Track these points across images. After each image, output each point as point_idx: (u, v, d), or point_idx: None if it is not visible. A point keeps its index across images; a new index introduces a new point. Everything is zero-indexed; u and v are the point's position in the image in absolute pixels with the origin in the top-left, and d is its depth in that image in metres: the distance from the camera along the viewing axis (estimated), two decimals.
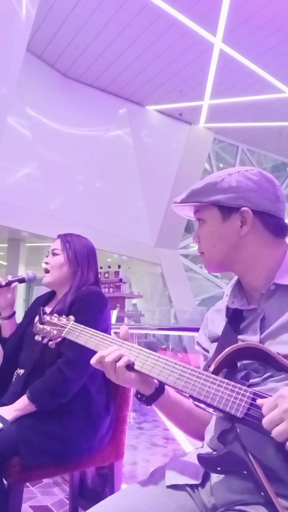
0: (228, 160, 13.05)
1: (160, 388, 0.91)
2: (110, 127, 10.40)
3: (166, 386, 0.91)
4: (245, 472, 0.72)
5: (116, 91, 10.13)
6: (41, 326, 1.07)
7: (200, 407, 0.83)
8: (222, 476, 0.80)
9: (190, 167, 11.25)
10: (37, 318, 1.10)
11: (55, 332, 1.03)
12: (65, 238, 1.62)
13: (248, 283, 0.93)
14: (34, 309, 1.68)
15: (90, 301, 1.48)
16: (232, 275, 13.42)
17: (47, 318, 1.07)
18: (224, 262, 0.92)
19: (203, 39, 8.07)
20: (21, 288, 9.44)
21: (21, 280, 1.67)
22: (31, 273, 1.70)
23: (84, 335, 0.97)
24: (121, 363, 0.85)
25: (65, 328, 1.02)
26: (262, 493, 0.69)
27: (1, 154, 7.52)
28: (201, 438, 0.97)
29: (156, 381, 0.90)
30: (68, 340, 1.39)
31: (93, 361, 0.88)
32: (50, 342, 1.04)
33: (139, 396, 0.91)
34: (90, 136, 10.10)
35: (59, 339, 1.04)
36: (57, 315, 1.08)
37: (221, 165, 12.83)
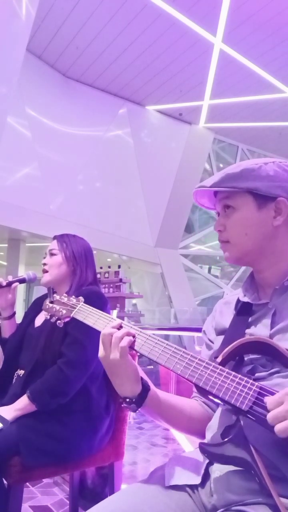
0: (228, 160, 13.05)
1: (145, 386, 0.88)
2: (110, 127, 10.40)
3: (151, 385, 0.89)
4: (248, 462, 0.71)
5: (116, 91, 10.13)
6: (50, 305, 1.04)
7: (205, 398, 0.82)
8: (222, 476, 0.80)
9: (190, 167, 11.25)
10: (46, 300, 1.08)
11: (64, 311, 1.01)
12: (62, 239, 1.63)
13: (264, 278, 0.92)
14: (34, 310, 1.69)
15: (91, 301, 1.48)
16: (232, 275, 13.36)
17: (56, 297, 1.05)
18: (252, 253, 0.89)
19: (203, 39, 8.07)
20: (21, 288, 9.44)
21: (22, 281, 1.68)
22: (31, 274, 1.71)
23: (92, 316, 0.95)
24: (125, 341, 0.83)
25: (75, 308, 1.00)
26: (263, 490, 0.69)
27: (1, 154, 7.52)
28: (198, 435, 0.97)
29: (141, 378, 0.88)
30: (69, 340, 1.41)
31: (106, 330, 0.85)
32: (59, 321, 1.02)
33: (127, 400, 0.86)
34: (90, 136, 10.10)
35: (67, 319, 1.01)
36: (66, 295, 1.06)
37: (221, 165, 12.84)
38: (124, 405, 0.87)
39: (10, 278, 1.65)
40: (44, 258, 1.65)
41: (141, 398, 0.86)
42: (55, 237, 1.67)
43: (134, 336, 0.85)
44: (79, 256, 1.60)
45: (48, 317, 1.04)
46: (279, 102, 10.07)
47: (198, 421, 0.95)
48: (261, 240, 0.88)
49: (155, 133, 11.08)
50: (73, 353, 1.38)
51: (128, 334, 0.85)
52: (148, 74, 9.33)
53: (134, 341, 0.85)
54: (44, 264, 1.61)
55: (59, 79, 9.47)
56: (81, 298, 1.03)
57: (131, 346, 0.85)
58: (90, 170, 9.95)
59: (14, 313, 1.69)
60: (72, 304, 1.02)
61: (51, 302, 1.05)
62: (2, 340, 1.66)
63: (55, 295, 1.06)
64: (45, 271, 1.60)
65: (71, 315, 0.99)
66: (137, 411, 0.87)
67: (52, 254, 1.61)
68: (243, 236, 0.89)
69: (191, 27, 7.77)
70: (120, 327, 0.87)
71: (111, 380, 0.88)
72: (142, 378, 0.88)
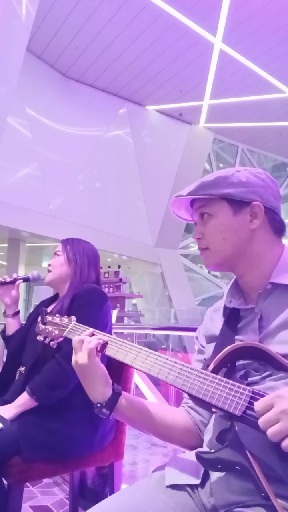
0: (228, 160, 13.05)
1: (116, 391, 0.90)
2: (110, 127, 10.40)
3: (128, 393, 0.92)
4: (245, 466, 0.72)
5: (116, 91, 10.13)
6: (43, 326, 1.08)
7: (200, 407, 0.83)
8: (222, 476, 0.80)
9: (190, 167, 11.25)
10: (39, 318, 1.11)
11: (56, 332, 1.05)
12: (66, 241, 1.70)
13: (247, 283, 0.93)
14: (38, 311, 1.72)
15: (90, 297, 1.52)
16: (232, 275, 13.53)
17: (49, 318, 1.09)
18: (231, 258, 0.91)
19: (203, 39, 8.07)
20: (21, 288, 9.42)
21: (26, 279, 1.75)
22: (35, 273, 1.77)
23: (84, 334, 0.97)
24: (93, 343, 0.88)
25: (67, 328, 1.03)
26: (261, 492, 0.69)
27: (1, 154, 7.52)
28: (179, 443, 0.97)
29: (113, 384, 0.90)
30: None
31: (77, 337, 0.92)
32: (52, 342, 1.06)
33: (98, 405, 0.88)
34: (90, 136, 10.10)
35: (60, 339, 1.05)
36: (59, 316, 1.09)
37: (221, 165, 12.84)
38: (97, 410, 0.89)
39: (15, 276, 1.72)
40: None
41: (112, 402, 0.88)
42: (61, 240, 1.75)
43: (106, 343, 0.91)
44: (80, 256, 1.65)
45: (42, 339, 1.08)
46: (279, 102, 10.08)
47: (177, 430, 0.95)
48: (239, 244, 0.90)
49: (155, 133, 11.08)
50: (70, 346, 1.40)
51: (99, 339, 0.90)
52: (148, 74, 9.33)
53: (104, 345, 0.90)
54: (49, 265, 1.68)
55: (59, 79, 9.47)
56: (73, 317, 1.06)
57: (102, 350, 0.90)
58: (90, 170, 9.95)
59: (19, 311, 1.74)
60: (64, 324, 1.05)
61: (44, 324, 1.08)
62: (6, 338, 1.70)
63: (47, 316, 1.09)
64: (49, 271, 1.67)
65: (64, 335, 1.03)
66: (110, 417, 0.89)
67: (56, 255, 1.68)
68: (221, 241, 0.91)
69: (191, 27, 7.77)
70: (92, 335, 0.93)
71: (84, 387, 0.91)
72: (114, 384, 0.90)
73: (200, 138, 11.63)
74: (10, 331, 1.70)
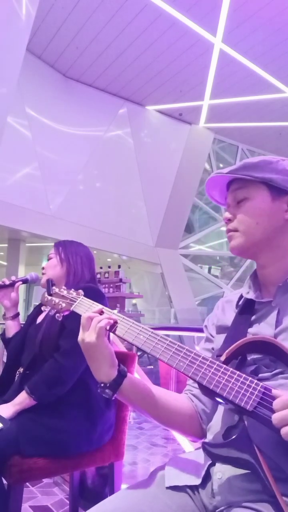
0: (228, 160, 13.05)
1: (122, 372, 0.87)
2: (110, 127, 10.39)
3: (133, 375, 0.89)
4: (251, 462, 0.71)
5: (116, 91, 10.12)
6: (49, 298, 1.02)
7: (209, 397, 0.81)
8: (224, 477, 0.79)
9: (190, 167, 11.25)
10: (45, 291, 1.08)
11: (63, 304, 0.99)
12: (58, 244, 1.74)
13: (267, 275, 0.92)
14: (36, 311, 1.73)
15: (87, 296, 1.51)
16: (232, 275, 13.36)
17: (56, 289, 1.03)
18: (259, 243, 0.90)
19: (203, 39, 8.07)
20: (21, 288, 9.41)
21: (25, 281, 1.77)
22: (34, 274, 1.81)
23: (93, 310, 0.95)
24: (103, 322, 0.85)
25: (75, 301, 0.98)
26: (266, 488, 0.69)
27: (1, 154, 7.52)
28: (180, 429, 0.95)
29: (119, 365, 0.88)
30: (65, 332, 1.43)
31: (87, 314, 0.88)
32: (58, 314, 1.00)
33: (101, 385, 0.86)
34: (90, 136, 10.09)
35: (67, 312, 1.00)
36: (65, 288, 1.04)
37: (221, 165, 12.83)
38: (100, 390, 0.86)
39: (13, 278, 1.73)
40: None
41: (116, 383, 0.86)
42: (54, 244, 1.78)
43: (116, 322, 0.87)
44: (72, 256, 1.68)
45: (47, 309, 1.02)
46: (279, 102, 10.07)
47: (182, 416, 0.94)
48: (270, 231, 0.88)
49: (155, 133, 11.08)
50: (68, 344, 1.41)
51: (109, 318, 0.87)
52: (148, 74, 9.33)
53: (115, 325, 0.87)
54: (43, 268, 1.72)
55: (59, 79, 9.47)
56: (80, 291, 1.01)
57: (111, 330, 0.87)
58: (90, 170, 9.95)
59: (18, 313, 1.75)
60: (72, 297, 1.00)
61: (50, 295, 1.03)
62: (6, 340, 1.71)
63: (54, 287, 1.03)
64: (43, 274, 1.71)
65: (71, 309, 0.98)
66: (113, 397, 0.87)
67: (49, 259, 1.72)
68: (254, 224, 0.89)
69: (191, 27, 7.77)
70: (101, 313, 0.90)
71: (89, 365, 0.88)
72: (120, 365, 0.88)
73: (200, 138, 11.62)
74: (10, 333, 1.71)
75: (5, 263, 10.34)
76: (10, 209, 8.04)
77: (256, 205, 0.89)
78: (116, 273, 6.68)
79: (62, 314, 1.00)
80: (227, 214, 0.93)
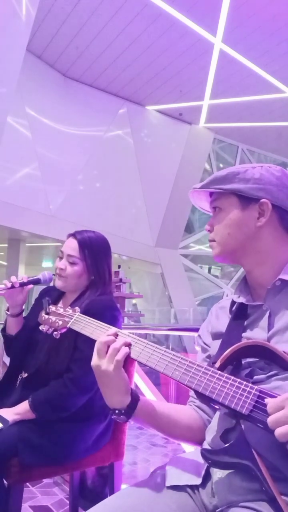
0: (228, 160, 13.05)
1: (135, 396, 0.86)
2: (110, 127, 10.39)
3: (144, 395, 0.90)
4: (249, 465, 0.71)
5: (116, 91, 10.12)
6: (46, 316, 1.04)
7: (206, 404, 0.82)
8: (224, 476, 0.79)
9: (190, 167, 11.25)
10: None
11: (60, 322, 1.01)
12: (84, 243, 1.49)
13: (255, 278, 0.93)
14: (40, 304, 1.60)
15: (104, 315, 1.37)
16: (232, 275, 13.36)
17: (52, 308, 1.05)
18: (236, 251, 0.92)
19: (203, 39, 8.07)
20: None
21: (37, 281, 1.56)
22: (47, 274, 1.59)
23: (89, 327, 0.95)
24: (121, 354, 0.82)
25: (71, 318, 1.00)
26: (264, 488, 0.69)
27: (1, 154, 7.52)
28: (194, 442, 0.96)
29: (131, 389, 0.87)
30: (78, 355, 1.38)
31: (103, 338, 0.84)
32: (55, 333, 1.02)
33: (116, 411, 0.84)
34: (90, 136, 10.09)
35: (64, 330, 1.02)
36: (62, 306, 1.06)
37: (221, 165, 12.83)
38: (114, 416, 0.85)
39: (24, 279, 1.54)
40: (60, 258, 1.53)
41: (130, 409, 0.85)
42: (75, 237, 1.52)
43: (130, 345, 0.85)
44: (102, 264, 1.50)
45: (44, 329, 1.04)
46: (279, 102, 10.07)
47: (192, 429, 0.95)
48: (242, 240, 0.91)
49: (155, 133, 11.08)
50: (82, 371, 1.36)
51: (125, 344, 0.85)
52: (148, 74, 9.32)
53: (130, 352, 0.85)
54: (61, 269, 1.51)
55: (59, 79, 9.47)
56: (77, 308, 1.03)
57: (127, 357, 0.84)
58: (90, 170, 9.95)
59: (22, 311, 1.63)
60: (68, 314, 1.02)
61: (47, 314, 1.05)
62: (7, 337, 1.62)
63: (50, 306, 1.06)
64: (60, 275, 1.51)
65: (68, 326, 1.00)
66: (128, 422, 0.86)
67: (71, 263, 1.50)
68: (226, 235, 0.92)
69: (191, 27, 7.76)
70: (116, 336, 0.87)
71: (102, 391, 0.86)
72: (132, 389, 0.87)
73: (200, 138, 11.62)
74: (12, 330, 1.61)
75: (5, 263, 10.34)
76: (10, 209, 8.03)
77: (226, 216, 0.93)
78: (116, 273, 6.67)
79: (59, 332, 1.02)
80: (207, 225, 0.98)
